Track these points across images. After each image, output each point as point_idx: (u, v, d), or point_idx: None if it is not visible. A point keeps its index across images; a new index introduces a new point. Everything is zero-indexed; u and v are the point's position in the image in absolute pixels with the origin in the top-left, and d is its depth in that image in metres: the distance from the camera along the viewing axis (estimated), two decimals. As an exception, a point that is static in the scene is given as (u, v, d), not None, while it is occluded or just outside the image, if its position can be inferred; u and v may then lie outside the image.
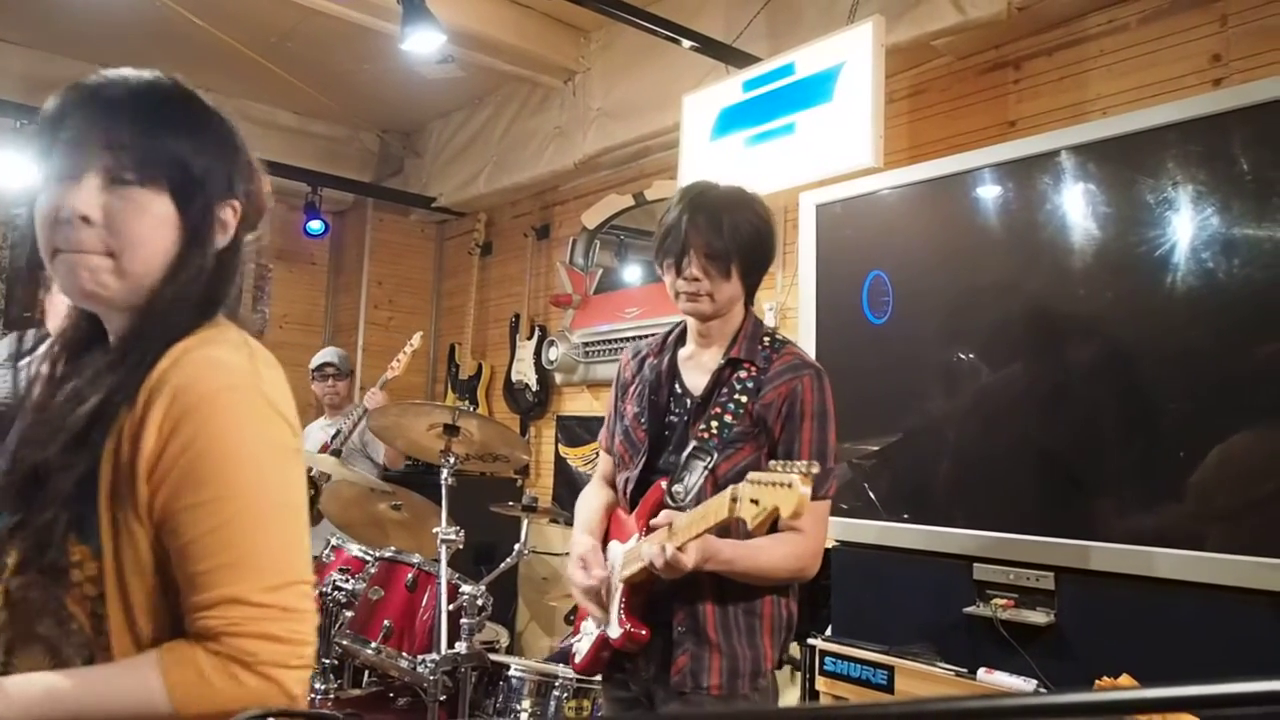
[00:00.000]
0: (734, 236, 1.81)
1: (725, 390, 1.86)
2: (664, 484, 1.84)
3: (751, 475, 1.53)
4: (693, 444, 1.84)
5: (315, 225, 5.56)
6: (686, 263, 1.83)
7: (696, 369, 1.94)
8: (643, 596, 1.83)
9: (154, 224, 1.04)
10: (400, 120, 5.88)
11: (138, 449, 0.97)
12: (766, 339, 1.91)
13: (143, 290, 1.05)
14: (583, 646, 1.98)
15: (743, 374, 1.86)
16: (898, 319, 2.72)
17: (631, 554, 1.83)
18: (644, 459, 1.92)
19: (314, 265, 6.28)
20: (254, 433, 1.01)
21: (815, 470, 1.46)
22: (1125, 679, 1.93)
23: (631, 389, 2.02)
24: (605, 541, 1.98)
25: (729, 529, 1.69)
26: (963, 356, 2.56)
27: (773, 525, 1.79)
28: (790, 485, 1.43)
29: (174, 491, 0.97)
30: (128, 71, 1.07)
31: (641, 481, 1.93)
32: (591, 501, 2.06)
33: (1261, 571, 1.93)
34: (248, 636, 0.95)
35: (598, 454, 4.74)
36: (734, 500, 1.55)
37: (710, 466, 1.80)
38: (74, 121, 1.02)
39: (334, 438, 4.25)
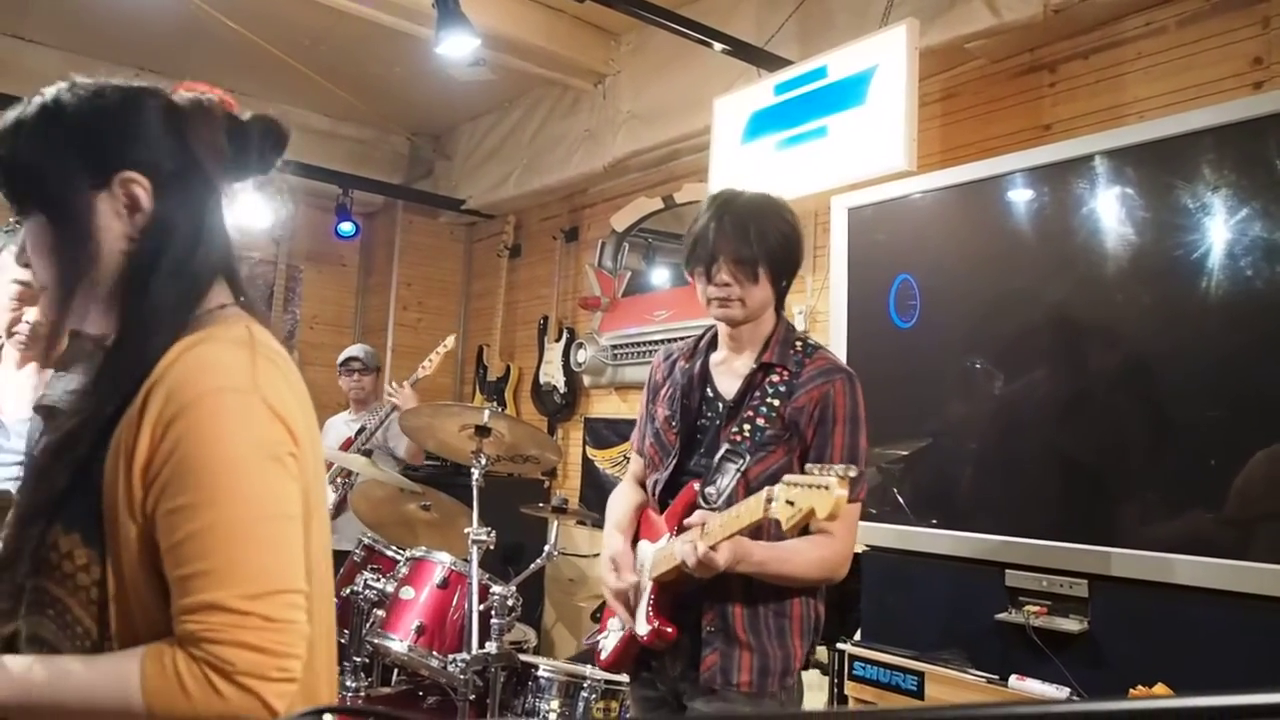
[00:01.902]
0: (761, 242, 1.83)
1: (757, 394, 1.87)
2: (696, 486, 1.86)
3: (787, 478, 1.54)
4: (725, 447, 1.85)
5: (346, 227, 5.61)
6: (716, 269, 1.85)
7: (728, 373, 1.95)
8: (671, 595, 1.85)
9: (43, 249, 1.06)
10: (430, 123, 5.93)
11: (134, 448, 0.97)
12: (799, 344, 1.92)
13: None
14: (609, 643, 2.00)
15: (775, 378, 1.87)
16: (925, 323, 2.71)
17: (663, 553, 1.85)
18: (674, 461, 1.94)
19: (344, 267, 6.35)
20: (242, 437, 0.98)
21: (853, 474, 1.47)
22: (1160, 688, 1.91)
23: (663, 392, 2.04)
24: (635, 541, 2.00)
25: (761, 530, 1.70)
26: (993, 361, 2.55)
27: (804, 528, 1.80)
28: (827, 488, 1.45)
29: (161, 493, 0.96)
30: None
31: (671, 483, 1.94)
32: (622, 501, 2.08)
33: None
34: (226, 644, 0.92)
35: (626, 456, 4.75)
36: (769, 501, 1.56)
37: (742, 469, 1.81)
38: None
39: (359, 434, 4.28)
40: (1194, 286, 2.15)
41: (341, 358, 4.56)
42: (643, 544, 1.97)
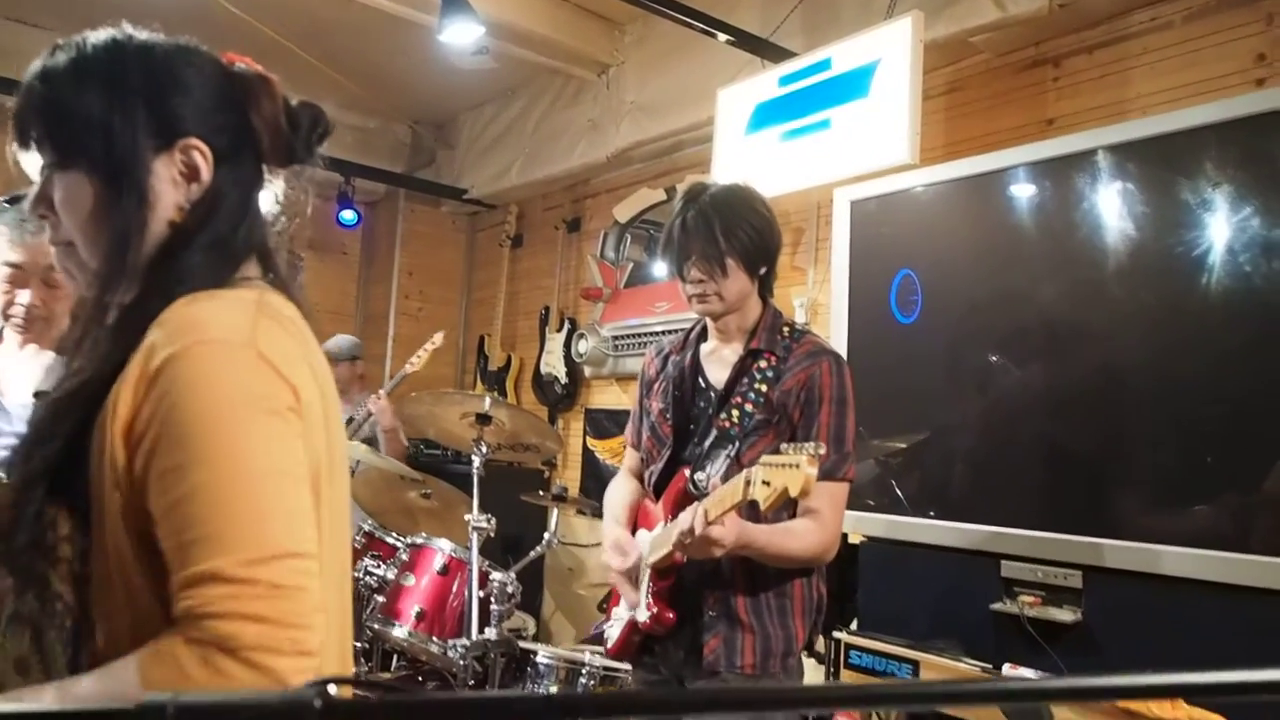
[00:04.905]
0: (728, 237, 1.86)
1: (746, 380, 1.90)
2: (687, 472, 1.89)
3: (764, 458, 1.57)
4: (714, 433, 1.89)
5: (348, 215, 5.62)
6: (687, 268, 1.90)
7: (718, 363, 1.98)
8: (670, 581, 1.88)
9: (85, 207, 0.97)
10: (433, 112, 5.93)
11: (116, 411, 0.88)
12: (786, 329, 1.95)
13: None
14: (614, 632, 2.02)
15: (763, 364, 1.90)
16: (926, 318, 2.72)
17: (659, 540, 1.87)
18: (669, 452, 1.97)
19: (346, 255, 6.35)
20: (233, 389, 0.87)
21: (822, 451, 1.51)
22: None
23: (656, 385, 2.07)
24: (633, 531, 2.03)
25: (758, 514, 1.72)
26: (992, 356, 2.56)
27: (793, 510, 1.83)
28: (798, 466, 1.48)
29: (148, 456, 0.86)
30: (47, 54, 1.00)
31: (667, 473, 1.98)
32: (619, 493, 2.12)
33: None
34: (227, 617, 0.80)
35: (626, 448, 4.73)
36: (748, 483, 1.58)
37: (733, 454, 1.85)
38: None
39: (346, 424, 4.28)
40: (1194, 282, 2.16)
41: (347, 354, 4.51)
42: (640, 533, 2.00)
